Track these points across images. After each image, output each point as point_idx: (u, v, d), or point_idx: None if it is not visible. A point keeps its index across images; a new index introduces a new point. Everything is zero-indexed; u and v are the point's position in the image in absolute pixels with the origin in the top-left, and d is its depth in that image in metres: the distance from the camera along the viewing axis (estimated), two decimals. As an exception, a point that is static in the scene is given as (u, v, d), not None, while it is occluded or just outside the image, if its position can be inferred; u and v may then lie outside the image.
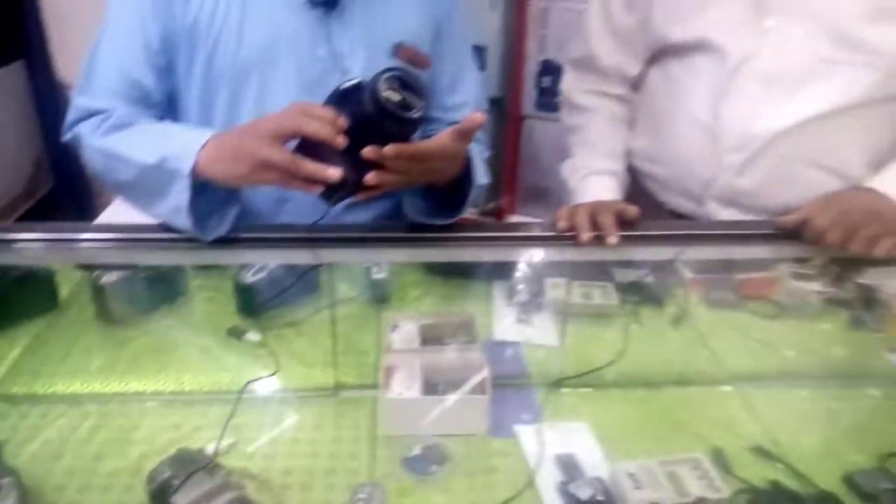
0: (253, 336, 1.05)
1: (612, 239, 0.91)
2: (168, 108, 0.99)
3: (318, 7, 0.94)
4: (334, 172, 0.73)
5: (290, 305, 1.10)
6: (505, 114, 1.73)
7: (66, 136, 0.95)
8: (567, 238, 0.93)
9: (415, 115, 0.72)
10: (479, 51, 1.61)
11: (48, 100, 1.98)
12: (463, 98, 1.12)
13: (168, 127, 0.91)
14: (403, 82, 0.72)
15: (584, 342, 1.06)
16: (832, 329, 1.11)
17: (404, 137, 0.74)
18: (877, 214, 0.90)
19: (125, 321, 1.08)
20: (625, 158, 1.15)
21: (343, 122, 0.73)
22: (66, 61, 1.92)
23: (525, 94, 1.66)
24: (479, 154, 1.08)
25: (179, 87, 0.97)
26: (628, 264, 1.11)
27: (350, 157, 0.73)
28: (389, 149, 0.73)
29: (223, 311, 1.10)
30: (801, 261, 1.06)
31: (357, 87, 0.74)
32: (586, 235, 0.91)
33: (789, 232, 0.94)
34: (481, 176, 0.96)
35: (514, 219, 1.80)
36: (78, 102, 0.93)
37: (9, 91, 1.96)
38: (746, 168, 1.01)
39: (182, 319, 1.11)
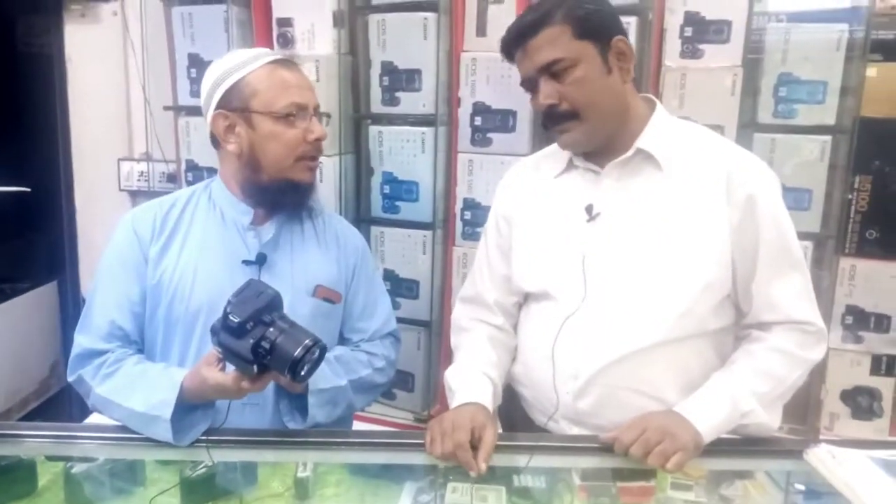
0: None
1: (483, 465, 1.11)
2: (143, 343, 1.28)
3: (252, 265, 1.25)
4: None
5: (227, 498, 1.25)
6: (438, 334, 1.96)
7: (71, 378, 1.24)
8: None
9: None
10: (414, 284, 1.93)
11: (71, 314, 2.35)
12: (374, 324, 1.39)
13: (147, 373, 1.18)
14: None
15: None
16: (694, 535, 1.22)
17: None
18: (671, 434, 1.09)
19: None
20: (500, 371, 1.33)
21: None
22: (90, 283, 2.30)
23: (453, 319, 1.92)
24: (366, 363, 1.34)
25: (149, 329, 1.27)
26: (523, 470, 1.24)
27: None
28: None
29: (171, 503, 1.25)
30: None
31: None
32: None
33: (607, 447, 1.13)
34: (323, 381, 1.21)
35: None
36: (78, 340, 1.23)
37: (41, 308, 2.35)
38: (581, 394, 1.21)
39: None
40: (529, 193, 1.32)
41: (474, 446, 1.12)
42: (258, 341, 0.99)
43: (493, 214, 1.40)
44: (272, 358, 1.00)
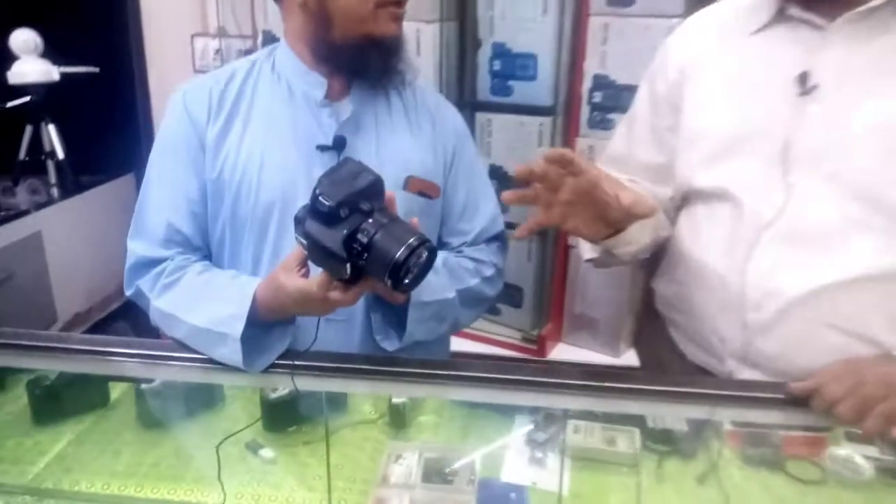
0: (266, 453, 1.10)
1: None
2: (209, 248, 1.09)
3: (328, 150, 1.03)
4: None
5: (312, 423, 1.14)
6: (553, 243, 1.75)
7: (129, 292, 1.08)
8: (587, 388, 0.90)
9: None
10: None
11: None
12: (477, 223, 1.16)
13: (213, 282, 1.01)
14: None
15: (597, 493, 1.02)
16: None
17: None
18: (896, 388, 0.83)
19: (160, 425, 1.17)
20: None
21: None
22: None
23: (571, 224, 1.67)
24: (473, 271, 1.13)
25: (213, 232, 1.08)
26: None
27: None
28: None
29: (249, 424, 1.13)
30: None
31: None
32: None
33: (799, 399, 0.87)
34: (427, 292, 1.00)
35: (559, 348, 1.80)
36: (132, 247, 1.06)
37: (119, 202, 2.25)
38: (766, 329, 0.95)
39: (210, 428, 1.17)
40: (712, 54, 1.01)
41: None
42: (353, 233, 0.79)
43: (647, 86, 1.10)
44: (369, 258, 0.79)
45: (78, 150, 2.18)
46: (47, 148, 2.11)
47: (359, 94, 1.06)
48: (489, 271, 1.15)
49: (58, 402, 1.17)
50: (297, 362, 0.95)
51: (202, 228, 1.07)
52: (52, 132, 2.09)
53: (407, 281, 0.81)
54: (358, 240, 0.79)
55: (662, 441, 1.07)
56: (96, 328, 2.17)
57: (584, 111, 1.63)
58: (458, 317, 1.12)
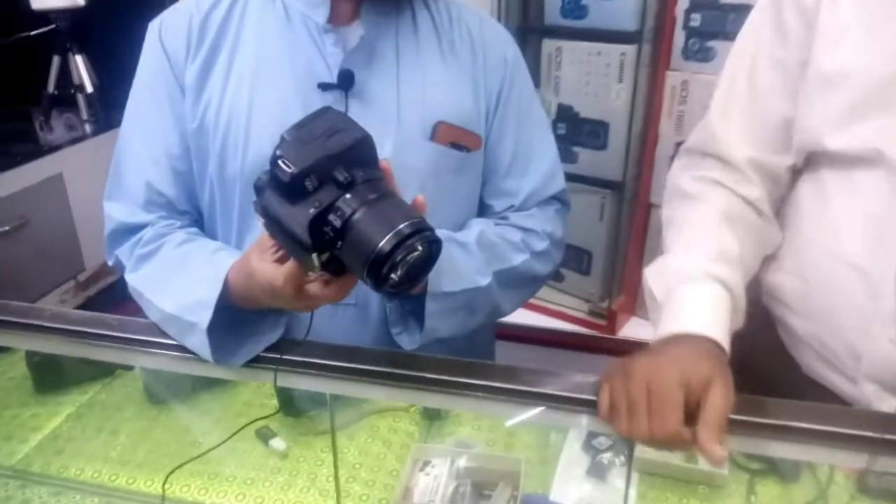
0: (277, 444, 0.98)
1: (716, 451, 0.61)
2: (198, 211, 0.94)
3: (333, 89, 0.83)
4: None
5: (337, 409, 0.99)
6: (630, 201, 1.55)
7: (111, 261, 0.96)
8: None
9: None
10: (602, 127, 1.48)
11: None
12: (529, 182, 0.95)
13: (189, 258, 0.85)
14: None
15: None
16: None
17: None
18: None
19: (166, 400, 1.08)
20: (744, 270, 0.82)
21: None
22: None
23: (654, 178, 1.46)
24: (519, 245, 0.92)
25: (200, 193, 0.92)
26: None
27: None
28: None
29: (264, 405, 1.04)
30: None
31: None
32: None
33: None
34: (451, 279, 0.81)
35: (632, 323, 1.60)
36: (109, 211, 0.92)
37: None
38: None
39: (221, 407, 1.07)
40: None
41: (690, 415, 0.64)
42: (323, 212, 0.60)
43: (769, 6, 0.82)
44: (345, 245, 0.60)
45: (111, 84, 2.03)
46: (76, 81, 2.00)
47: (373, 15, 0.85)
48: (541, 244, 0.94)
49: (59, 371, 1.11)
50: (284, 356, 0.77)
51: (188, 188, 0.90)
52: (80, 63, 1.97)
53: (394, 278, 0.61)
54: (329, 222, 0.59)
55: (756, 457, 0.91)
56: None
57: (679, 38, 1.41)
58: (499, 303, 0.92)
